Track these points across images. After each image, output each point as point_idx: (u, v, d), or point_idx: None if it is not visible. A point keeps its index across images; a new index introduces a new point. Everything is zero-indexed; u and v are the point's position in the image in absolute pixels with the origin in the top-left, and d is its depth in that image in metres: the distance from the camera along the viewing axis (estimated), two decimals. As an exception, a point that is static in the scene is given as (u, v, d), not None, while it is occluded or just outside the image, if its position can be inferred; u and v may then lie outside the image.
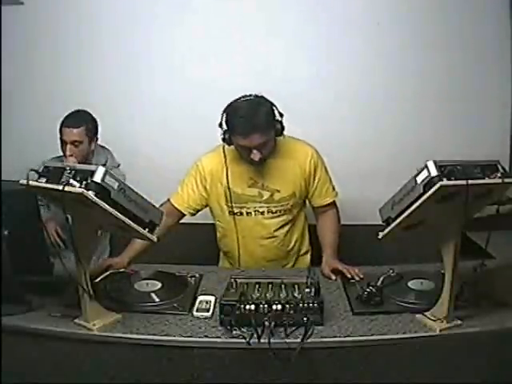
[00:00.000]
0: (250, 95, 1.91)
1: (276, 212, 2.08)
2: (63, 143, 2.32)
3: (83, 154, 2.35)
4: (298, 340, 1.42)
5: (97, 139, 2.43)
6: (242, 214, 2.08)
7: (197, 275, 1.86)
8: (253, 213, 2.07)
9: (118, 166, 2.52)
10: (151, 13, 2.80)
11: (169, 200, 2.11)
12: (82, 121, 2.33)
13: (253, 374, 1.46)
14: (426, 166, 1.37)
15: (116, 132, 2.70)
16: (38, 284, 1.65)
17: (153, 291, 1.71)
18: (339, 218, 2.16)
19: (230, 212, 2.09)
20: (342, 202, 2.81)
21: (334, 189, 2.15)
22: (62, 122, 2.32)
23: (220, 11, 2.79)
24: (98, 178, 1.34)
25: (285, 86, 2.75)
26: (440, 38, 2.78)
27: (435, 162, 1.36)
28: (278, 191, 2.05)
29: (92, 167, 1.37)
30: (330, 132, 2.82)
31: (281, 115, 1.94)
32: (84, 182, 1.33)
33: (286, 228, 2.14)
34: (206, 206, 2.14)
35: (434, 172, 1.35)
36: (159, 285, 1.74)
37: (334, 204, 2.16)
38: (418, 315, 1.54)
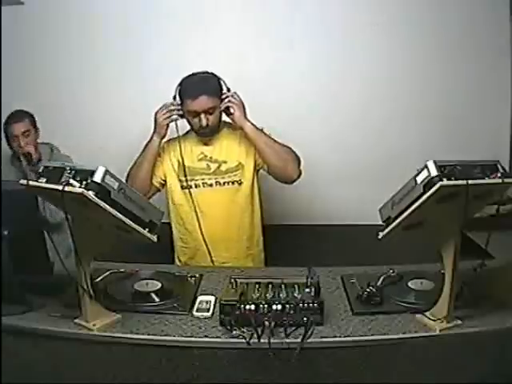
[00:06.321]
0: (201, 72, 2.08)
1: (224, 184, 2.14)
2: (14, 138, 2.51)
3: (34, 144, 2.54)
4: (298, 340, 1.42)
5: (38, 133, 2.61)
6: (191, 186, 2.14)
7: (197, 275, 1.85)
8: (201, 185, 2.14)
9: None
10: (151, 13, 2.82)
11: None
12: (24, 115, 2.55)
13: (253, 373, 1.46)
14: (426, 166, 1.37)
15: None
16: (38, 284, 1.65)
17: (153, 291, 1.71)
18: (299, 158, 2.13)
19: (181, 186, 2.16)
20: (342, 202, 2.81)
21: None
22: (6, 122, 2.52)
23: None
24: (98, 178, 1.34)
25: (283, 87, 2.76)
26: (439, 38, 2.79)
27: (435, 162, 1.36)
28: (225, 162, 2.14)
29: (92, 167, 1.37)
30: (329, 132, 2.82)
31: (228, 90, 2.07)
32: (84, 182, 1.33)
33: (238, 206, 2.16)
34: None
35: (434, 172, 1.34)
36: (159, 285, 1.74)
37: None
38: (417, 315, 1.54)
